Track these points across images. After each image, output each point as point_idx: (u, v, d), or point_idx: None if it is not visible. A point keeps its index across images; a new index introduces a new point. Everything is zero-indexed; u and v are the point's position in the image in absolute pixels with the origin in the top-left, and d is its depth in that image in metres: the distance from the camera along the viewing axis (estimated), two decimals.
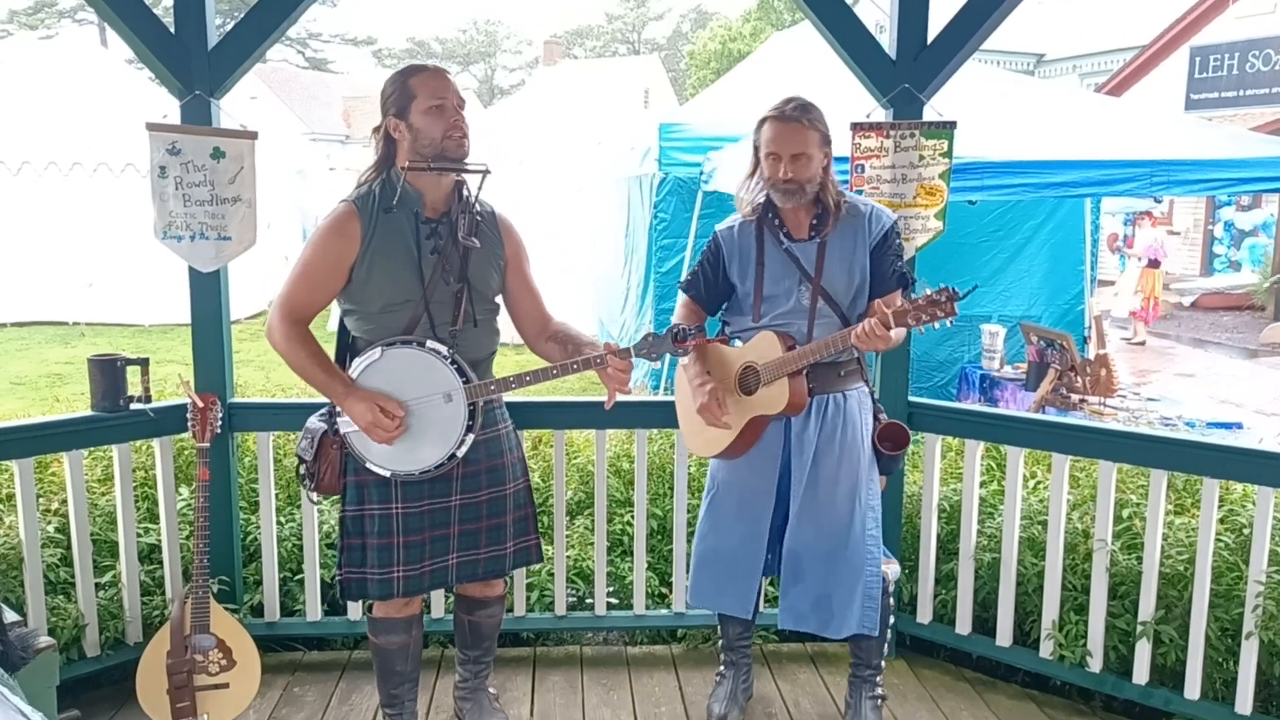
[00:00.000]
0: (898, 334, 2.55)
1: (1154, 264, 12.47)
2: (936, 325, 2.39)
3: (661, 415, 3.63)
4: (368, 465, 2.56)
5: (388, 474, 2.55)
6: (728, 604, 2.93)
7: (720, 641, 3.16)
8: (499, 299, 2.72)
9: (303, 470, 2.66)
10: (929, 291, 2.38)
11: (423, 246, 2.55)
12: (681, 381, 2.94)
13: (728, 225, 2.89)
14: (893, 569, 3.00)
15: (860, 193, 3.20)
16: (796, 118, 2.69)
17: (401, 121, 2.52)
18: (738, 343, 2.81)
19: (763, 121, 2.74)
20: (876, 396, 2.94)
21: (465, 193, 2.61)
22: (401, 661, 2.79)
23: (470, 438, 2.55)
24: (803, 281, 2.75)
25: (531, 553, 2.82)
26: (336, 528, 2.83)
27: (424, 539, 2.62)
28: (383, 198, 2.54)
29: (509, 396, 2.84)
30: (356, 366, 2.53)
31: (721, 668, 3.15)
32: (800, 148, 2.68)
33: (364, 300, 2.56)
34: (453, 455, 2.54)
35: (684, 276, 2.98)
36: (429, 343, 2.52)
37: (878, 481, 2.86)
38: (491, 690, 3.08)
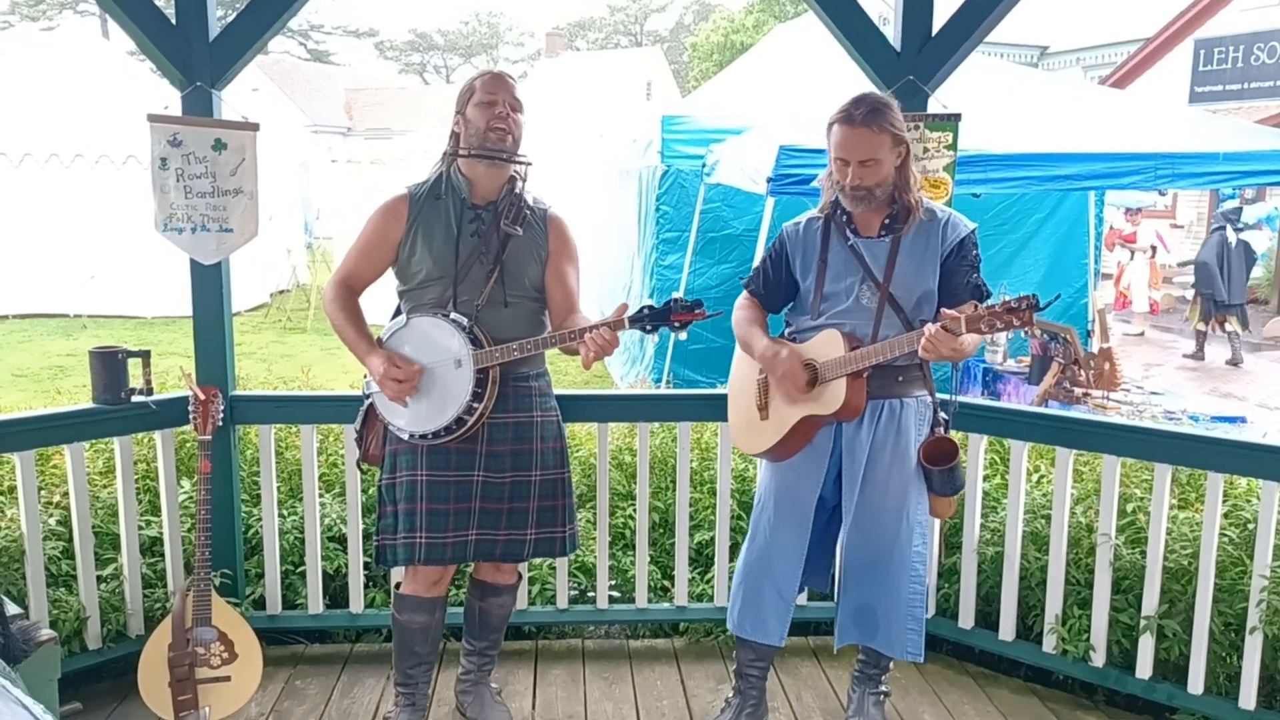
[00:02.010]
0: (970, 342, 2.43)
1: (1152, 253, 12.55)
2: (1010, 335, 2.32)
3: (663, 409, 3.63)
4: (389, 426, 2.72)
5: (406, 435, 2.68)
6: (770, 633, 2.80)
7: (734, 666, 3.00)
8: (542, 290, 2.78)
9: (355, 439, 2.88)
10: (1007, 298, 2.26)
11: (463, 229, 2.70)
12: (736, 372, 2.89)
13: (795, 222, 2.83)
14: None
15: None
16: (865, 123, 2.55)
17: (461, 116, 2.72)
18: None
19: (831, 124, 2.63)
20: (946, 407, 2.79)
21: (515, 189, 2.74)
22: (421, 643, 2.85)
23: (478, 406, 2.60)
24: (865, 280, 2.66)
25: (555, 545, 2.82)
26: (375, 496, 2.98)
27: (448, 509, 2.70)
28: (434, 185, 2.75)
29: None
30: (387, 331, 2.73)
31: (730, 692, 3.03)
32: (868, 153, 2.57)
33: (407, 275, 2.75)
34: (460, 420, 2.60)
35: (747, 274, 2.93)
36: (452, 314, 2.65)
37: (926, 497, 2.74)
38: (494, 685, 3.09)
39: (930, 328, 2.37)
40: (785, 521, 2.78)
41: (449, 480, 2.69)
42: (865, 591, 2.74)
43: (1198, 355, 11.11)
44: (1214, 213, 11.72)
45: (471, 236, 2.69)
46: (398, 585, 2.89)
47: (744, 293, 2.91)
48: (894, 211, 2.67)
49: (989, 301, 2.36)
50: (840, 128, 2.60)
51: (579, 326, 2.53)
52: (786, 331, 2.83)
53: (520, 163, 2.72)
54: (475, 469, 2.70)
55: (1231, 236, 11.15)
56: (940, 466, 2.67)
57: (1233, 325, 10.86)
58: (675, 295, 2.46)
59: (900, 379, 2.68)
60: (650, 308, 2.44)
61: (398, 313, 2.81)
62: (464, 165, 2.71)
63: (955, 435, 3.57)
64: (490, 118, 2.65)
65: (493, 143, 2.66)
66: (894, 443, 2.68)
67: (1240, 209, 11.93)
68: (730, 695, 3.01)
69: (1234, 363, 10.85)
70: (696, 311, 2.42)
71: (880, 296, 2.65)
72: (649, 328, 2.44)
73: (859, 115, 2.57)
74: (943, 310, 2.39)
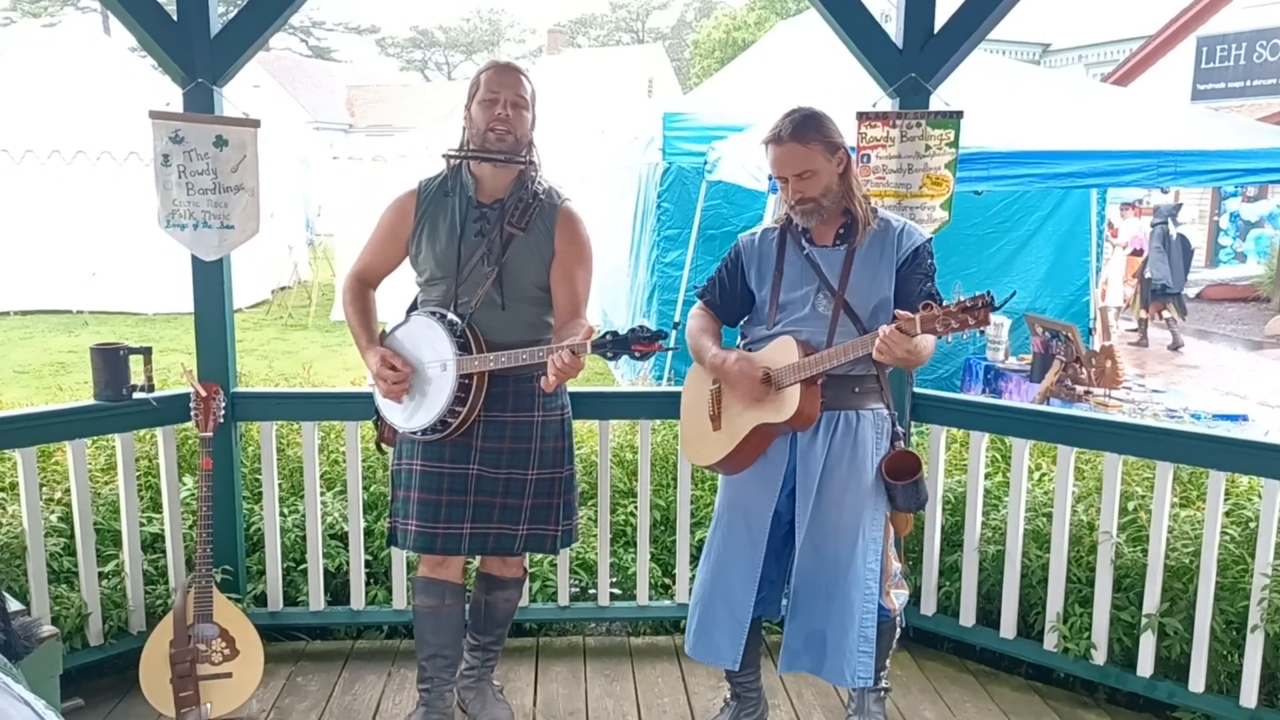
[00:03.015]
0: (924, 345, 2.39)
1: (1137, 253, 12.68)
2: (965, 335, 2.28)
3: (665, 407, 3.63)
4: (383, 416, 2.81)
5: (400, 429, 2.74)
6: (723, 656, 2.74)
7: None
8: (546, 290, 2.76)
9: (374, 421, 2.92)
10: (962, 298, 2.23)
11: (467, 229, 2.70)
12: (689, 382, 2.85)
13: (750, 233, 2.81)
14: (901, 596, 2.85)
15: (866, 183, 3.17)
16: (792, 138, 2.56)
17: (467, 112, 2.71)
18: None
19: (765, 146, 2.64)
20: (900, 421, 2.72)
21: (526, 184, 2.71)
22: (433, 631, 2.85)
23: (461, 410, 2.61)
24: (821, 289, 2.63)
25: (546, 542, 2.82)
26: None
27: (440, 500, 2.72)
28: (443, 181, 2.76)
29: None
30: (391, 326, 2.78)
31: (727, 694, 3.02)
32: (802, 166, 2.57)
33: (418, 271, 2.79)
34: (444, 422, 2.63)
35: (701, 284, 2.88)
36: (449, 316, 2.66)
37: (883, 513, 2.66)
38: (496, 683, 3.09)
39: (885, 329, 2.33)
40: (739, 539, 2.71)
41: (443, 472, 2.72)
42: (817, 615, 2.66)
43: (1141, 342, 11.89)
44: (1155, 209, 12.35)
45: (476, 236, 2.69)
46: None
47: (698, 303, 2.86)
48: (848, 221, 2.65)
49: (945, 302, 2.31)
50: (770, 148, 2.61)
51: (557, 343, 2.50)
52: (742, 343, 2.78)
53: (519, 163, 2.68)
54: (470, 463, 2.72)
55: (1172, 231, 11.76)
56: (904, 481, 2.61)
57: (1171, 312, 11.64)
58: (641, 323, 2.42)
59: (856, 390, 2.62)
60: (614, 334, 2.39)
61: (414, 304, 2.85)
62: (472, 162, 2.71)
63: (957, 433, 3.59)
64: (490, 118, 2.63)
65: (492, 143, 2.64)
66: (850, 456, 2.61)
67: (1179, 206, 12.71)
68: (728, 696, 3.00)
69: (1175, 347, 11.53)
70: (657, 343, 2.36)
71: (835, 304, 2.61)
72: (610, 354, 2.39)
73: (784, 133, 2.58)
74: (897, 312, 2.35)
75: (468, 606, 3.04)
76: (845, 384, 2.61)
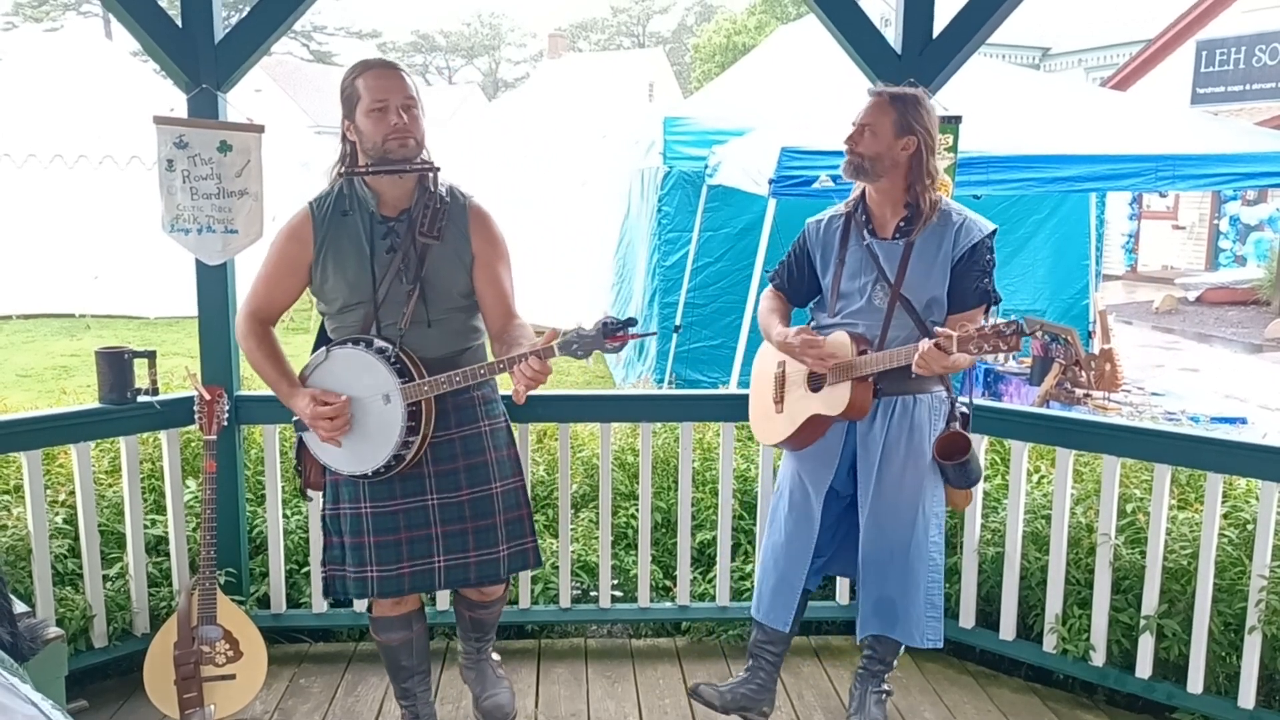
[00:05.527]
0: (964, 360, 2.46)
1: None
2: (999, 358, 2.39)
3: (666, 409, 3.65)
4: (323, 465, 2.59)
5: (344, 474, 2.56)
6: (775, 617, 2.88)
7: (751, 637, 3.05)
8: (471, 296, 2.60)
9: (295, 469, 2.74)
10: (998, 322, 2.32)
11: (377, 246, 2.50)
12: (757, 365, 2.96)
13: (817, 219, 2.88)
14: None
15: None
16: (879, 91, 2.69)
17: (350, 123, 2.48)
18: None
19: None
20: (962, 403, 2.78)
21: (428, 188, 2.53)
22: (406, 656, 2.79)
23: (415, 439, 2.45)
24: (879, 281, 2.69)
25: (529, 556, 2.70)
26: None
27: (400, 539, 2.57)
28: (339, 199, 2.54)
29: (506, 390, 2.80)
30: (308, 367, 2.55)
31: (750, 661, 3.05)
32: (868, 118, 2.65)
33: (326, 300, 2.58)
34: (398, 457, 2.46)
35: (772, 268, 3.00)
36: (376, 342, 2.47)
37: (942, 488, 2.78)
38: (495, 657, 3.06)
39: (924, 344, 2.45)
40: (794, 512, 2.86)
41: (396, 510, 2.56)
42: (884, 584, 2.79)
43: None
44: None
45: (387, 254, 2.49)
46: (369, 607, 2.79)
47: (769, 286, 2.97)
48: (910, 214, 2.71)
49: (982, 323, 2.44)
50: (866, 95, 2.74)
51: (510, 355, 2.34)
52: (811, 325, 2.86)
53: (425, 170, 2.49)
54: (427, 493, 2.57)
55: None
56: (953, 461, 2.71)
57: None
58: (606, 316, 2.28)
59: (913, 375, 2.67)
60: (580, 332, 2.25)
61: (322, 332, 2.65)
62: (367, 176, 2.50)
63: None
64: (386, 130, 2.40)
65: (394, 153, 2.42)
66: (908, 438, 2.72)
67: None
68: (750, 662, 3.03)
69: None
70: (630, 331, 2.25)
71: (891, 298, 2.68)
72: (581, 354, 2.25)
73: (880, 87, 2.73)
74: (938, 330, 2.44)
75: (429, 625, 2.94)
76: (902, 371, 2.66)
